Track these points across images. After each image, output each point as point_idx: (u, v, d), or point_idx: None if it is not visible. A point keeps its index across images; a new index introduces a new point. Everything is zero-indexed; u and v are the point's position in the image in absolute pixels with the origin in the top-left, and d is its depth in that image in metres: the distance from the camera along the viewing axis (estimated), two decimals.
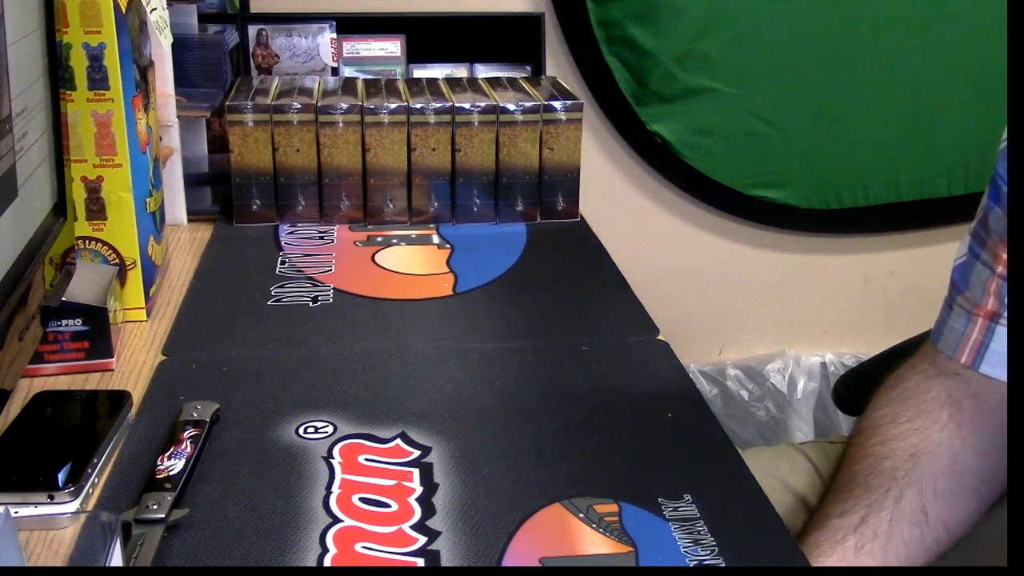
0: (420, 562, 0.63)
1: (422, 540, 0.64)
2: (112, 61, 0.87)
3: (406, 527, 0.66)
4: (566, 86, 1.27)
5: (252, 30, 1.36)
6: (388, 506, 0.68)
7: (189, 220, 1.19)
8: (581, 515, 0.67)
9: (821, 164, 1.64)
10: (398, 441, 0.75)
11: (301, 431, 0.76)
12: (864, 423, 0.86)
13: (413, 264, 1.09)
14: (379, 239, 1.15)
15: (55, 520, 0.65)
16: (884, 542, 0.79)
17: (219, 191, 1.22)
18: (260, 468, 0.71)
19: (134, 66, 0.90)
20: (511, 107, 1.16)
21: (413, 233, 1.17)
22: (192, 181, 1.19)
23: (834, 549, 0.78)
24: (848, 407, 1.22)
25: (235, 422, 0.77)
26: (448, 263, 1.09)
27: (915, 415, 0.83)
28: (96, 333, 0.83)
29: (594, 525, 0.66)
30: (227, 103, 1.14)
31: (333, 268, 1.06)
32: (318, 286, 1.02)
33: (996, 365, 0.81)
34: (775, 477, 0.92)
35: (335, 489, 0.69)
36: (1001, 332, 0.80)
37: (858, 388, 1.16)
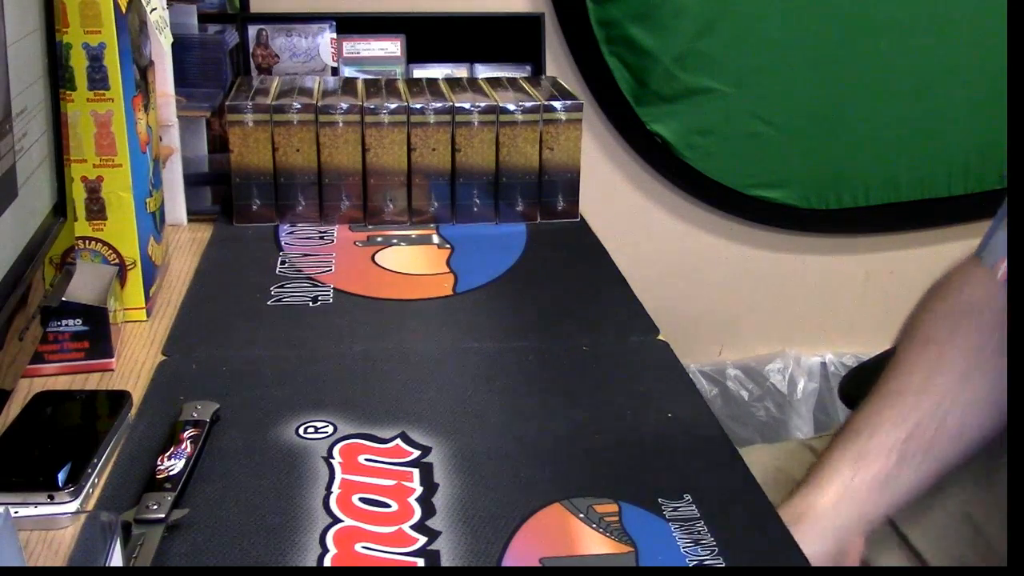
0: (420, 562, 0.63)
1: (422, 540, 0.64)
2: (112, 61, 0.87)
3: (406, 527, 0.66)
4: (566, 86, 1.27)
5: (252, 30, 1.36)
6: (388, 506, 0.68)
7: (189, 220, 1.19)
8: (581, 515, 0.67)
9: (821, 164, 1.64)
10: (398, 441, 0.75)
11: (301, 431, 0.76)
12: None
13: (413, 264, 1.08)
14: (379, 239, 1.15)
15: (55, 520, 0.65)
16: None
17: (219, 191, 1.22)
18: (260, 468, 0.71)
19: (134, 66, 0.90)
20: (511, 107, 1.16)
21: (413, 233, 1.17)
22: (192, 181, 1.19)
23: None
24: (855, 405, 1.21)
25: (235, 422, 0.77)
26: (448, 263, 1.09)
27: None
28: (96, 333, 0.83)
29: (594, 525, 0.66)
30: (227, 103, 1.14)
31: (333, 268, 1.06)
32: (318, 286, 1.02)
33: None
34: (779, 471, 0.91)
35: (335, 489, 0.69)
36: None
37: (865, 385, 1.16)
